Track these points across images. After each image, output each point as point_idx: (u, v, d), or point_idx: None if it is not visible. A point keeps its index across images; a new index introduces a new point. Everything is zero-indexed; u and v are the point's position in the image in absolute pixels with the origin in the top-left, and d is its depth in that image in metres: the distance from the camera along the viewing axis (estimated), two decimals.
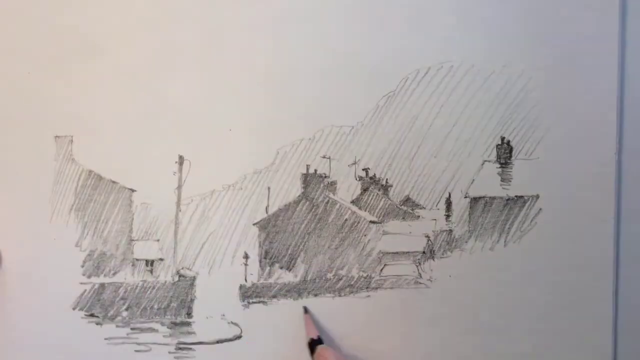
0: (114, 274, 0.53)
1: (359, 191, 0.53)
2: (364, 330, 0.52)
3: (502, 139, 0.52)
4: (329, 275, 0.53)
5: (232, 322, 0.52)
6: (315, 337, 0.48)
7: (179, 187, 0.53)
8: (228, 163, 0.52)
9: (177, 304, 0.53)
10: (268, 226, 0.53)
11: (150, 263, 0.53)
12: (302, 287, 0.53)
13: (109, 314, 0.53)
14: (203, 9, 0.52)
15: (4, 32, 0.53)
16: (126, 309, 0.53)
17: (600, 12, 0.51)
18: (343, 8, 0.52)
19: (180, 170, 0.53)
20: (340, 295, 0.52)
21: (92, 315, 0.52)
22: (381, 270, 0.53)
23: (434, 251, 0.52)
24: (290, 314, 0.52)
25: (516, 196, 0.52)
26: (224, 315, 0.52)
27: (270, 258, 0.53)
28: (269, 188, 0.53)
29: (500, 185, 0.52)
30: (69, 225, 0.53)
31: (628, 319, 0.51)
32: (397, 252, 0.53)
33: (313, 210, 0.53)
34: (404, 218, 0.53)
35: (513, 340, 0.51)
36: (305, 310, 0.52)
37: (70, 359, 0.52)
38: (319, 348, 0.47)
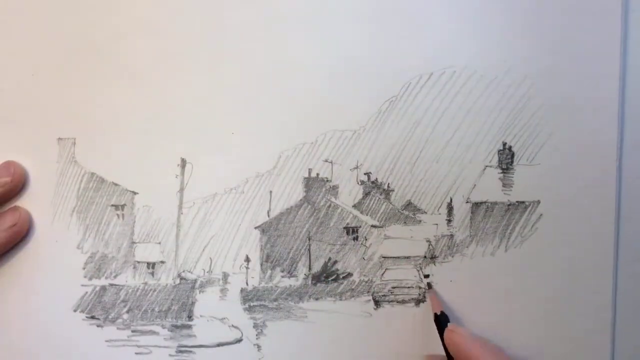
0: (115, 276, 0.53)
1: (360, 195, 0.53)
2: (365, 333, 0.52)
3: (504, 144, 0.52)
4: (330, 279, 0.53)
5: (233, 326, 0.52)
6: (438, 313, 0.49)
7: (181, 190, 0.53)
8: (230, 166, 0.53)
9: (178, 306, 0.53)
10: (269, 230, 0.53)
11: (151, 266, 0.53)
12: (303, 290, 0.53)
13: (110, 316, 0.53)
14: (206, 11, 0.52)
15: (8, 33, 0.53)
16: (127, 312, 0.53)
17: (602, 19, 0.51)
18: (346, 13, 0.52)
19: (182, 173, 0.53)
20: (341, 299, 0.53)
21: (93, 317, 0.53)
22: (382, 274, 0.53)
23: (435, 256, 0.52)
24: (292, 317, 0.52)
25: (517, 202, 0.52)
26: (225, 318, 0.53)
27: (272, 261, 0.53)
28: (270, 192, 0.53)
29: (502, 190, 0.52)
30: (70, 227, 0.53)
31: (627, 325, 0.51)
32: (398, 257, 0.53)
33: (315, 214, 0.53)
34: (405, 222, 0.53)
35: (513, 344, 0.51)
36: (429, 286, 0.52)
37: None
38: (450, 325, 0.47)
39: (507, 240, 0.52)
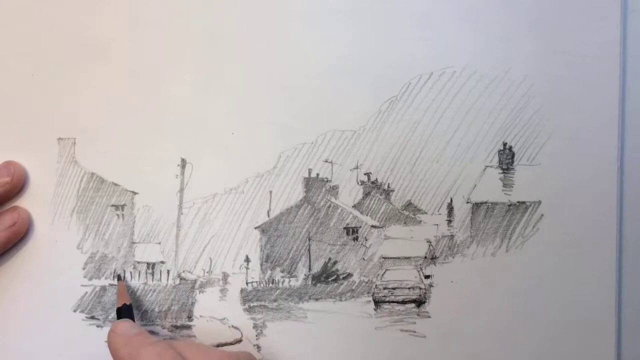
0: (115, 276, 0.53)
1: (360, 196, 0.53)
2: (365, 334, 0.51)
3: (504, 144, 0.52)
4: (330, 280, 0.53)
5: (233, 326, 0.52)
6: (120, 305, 0.48)
7: (181, 190, 0.53)
8: (230, 166, 0.52)
9: (178, 307, 0.53)
10: (269, 230, 0.53)
11: (151, 266, 0.53)
12: (303, 291, 0.53)
13: (110, 317, 0.52)
14: (206, 11, 0.53)
15: (8, 33, 0.53)
16: None
17: (602, 19, 0.51)
18: (346, 13, 0.52)
19: (183, 173, 0.53)
20: (341, 300, 0.52)
21: (93, 317, 0.52)
22: (382, 275, 0.53)
23: (435, 256, 0.52)
24: (292, 317, 0.52)
25: (518, 202, 0.52)
26: (224, 318, 0.52)
27: (272, 262, 0.53)
28: (270, 192, 0.53)
29: (502, 190, 0.52)
30: (70, 227, 0.53)
31: (631, 324, 0.51)
32: (398, 257, 0.53)
33: (315, 214, 0.53)
34: (405, 223, 0.53)
35: (514, 345, 0.51)
36: (119, 277, 0.52)
37: None
38: (113, 323, 0.45)
39: (508, 240, 0.52)
